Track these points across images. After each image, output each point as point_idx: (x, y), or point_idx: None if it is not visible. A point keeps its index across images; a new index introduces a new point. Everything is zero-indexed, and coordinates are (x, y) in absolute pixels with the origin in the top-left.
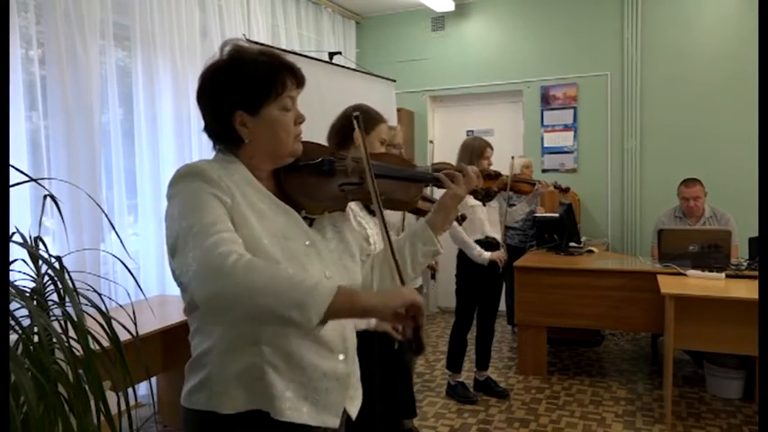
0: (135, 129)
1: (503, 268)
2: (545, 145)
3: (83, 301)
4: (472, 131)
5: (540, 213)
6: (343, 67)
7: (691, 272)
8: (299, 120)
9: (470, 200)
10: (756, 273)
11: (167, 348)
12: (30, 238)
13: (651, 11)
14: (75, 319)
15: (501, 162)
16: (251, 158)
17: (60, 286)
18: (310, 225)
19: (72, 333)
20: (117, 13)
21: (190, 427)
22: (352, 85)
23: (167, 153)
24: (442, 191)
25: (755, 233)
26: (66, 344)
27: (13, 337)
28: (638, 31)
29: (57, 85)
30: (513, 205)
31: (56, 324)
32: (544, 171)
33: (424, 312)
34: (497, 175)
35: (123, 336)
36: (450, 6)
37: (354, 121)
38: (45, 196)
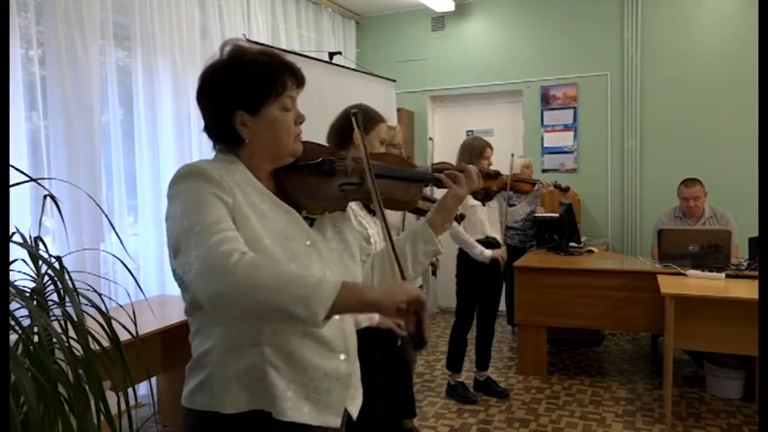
0: (135, 129)
1: (503, 268)
2: (545, 145)
3: (83, 301)
4: (472, 131)
5: (540, 213)
6: (343, 67)
7: (691, 272)
8: (300, 120)
9: (470, 200)
10: (756, 273)
11: (167, 348)
12: (30, 238)
13: (651, 11)
14: (75, 319)
15: (501, 162)
16: (251, 158)
17: (60, 286)
18: (311, 225)
19: (72, 333)
20: (117, 13)
21: (191, 428)
22: (352, 85)
23: (167, 153)
24: (443, 191)
25: (755, 233)
26: (66, 344)
27: (13, 337)
28: (638, 31)
29: (57, 85)
30: (513, 205)
31: (56, 324)
32: (544, 171)
33: (426, 307)
34: (497, 174)
35: (123, 336)
36: (450, 6)
37: (353, 121)
38: (45, 196)
